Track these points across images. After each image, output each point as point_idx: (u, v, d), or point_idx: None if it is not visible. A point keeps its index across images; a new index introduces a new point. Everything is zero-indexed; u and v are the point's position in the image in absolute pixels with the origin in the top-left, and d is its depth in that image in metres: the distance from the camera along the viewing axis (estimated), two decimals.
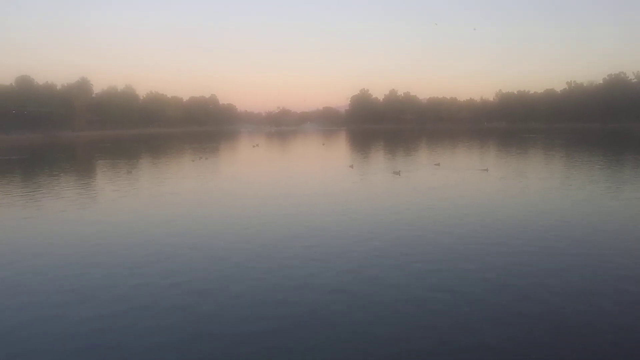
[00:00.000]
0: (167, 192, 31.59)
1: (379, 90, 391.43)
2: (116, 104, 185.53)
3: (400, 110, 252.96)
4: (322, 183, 35.90)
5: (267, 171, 46.64)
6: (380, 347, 9.80)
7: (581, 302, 11.84)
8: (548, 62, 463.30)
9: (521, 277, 13.55)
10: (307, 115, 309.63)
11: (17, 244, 18.37)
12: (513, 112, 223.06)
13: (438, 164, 46.51)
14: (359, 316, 11.20)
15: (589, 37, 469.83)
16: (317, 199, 27.92)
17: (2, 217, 24.37)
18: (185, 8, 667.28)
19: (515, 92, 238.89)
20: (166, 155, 72.15)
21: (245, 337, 10.26)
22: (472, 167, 44.67)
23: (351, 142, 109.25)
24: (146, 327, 10.86)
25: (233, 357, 9.55)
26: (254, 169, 49.64)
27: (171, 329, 10.65)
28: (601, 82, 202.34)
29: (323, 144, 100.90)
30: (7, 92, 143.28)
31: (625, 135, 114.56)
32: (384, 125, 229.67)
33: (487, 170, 40.81)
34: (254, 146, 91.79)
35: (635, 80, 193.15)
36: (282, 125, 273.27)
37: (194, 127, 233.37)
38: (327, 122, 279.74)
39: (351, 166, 47.26)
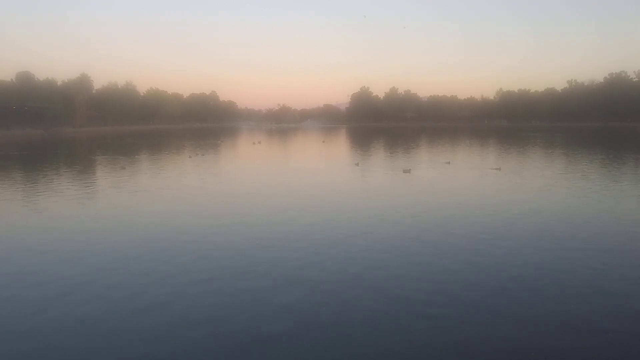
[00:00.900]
0: (160, 188, 31.34)
1: (379, 88, 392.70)
2: (116, 100, 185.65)
3: (400, 109, 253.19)
4: (330, 182, 34.47)
5: (270, 169, 45.21)
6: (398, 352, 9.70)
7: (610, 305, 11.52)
8: (548, 60, 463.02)
9: (555, 282, 12.94)
10: (307, 112, 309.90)
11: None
12: (514, 110, 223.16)
13: (448, 163, 45.59)
14: (377, 321, 11.00)
15: (590, 36, 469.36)
16: (327, 199, 26.78)
17: None
18: (187, 4, 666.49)
19: (516, 90, 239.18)
20: (165, 151, 72.05)
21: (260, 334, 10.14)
22: (484, 166, 43.72)
23: (352, 140, 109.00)
24: (136, 317, 10.80)
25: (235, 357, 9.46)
26: (256, 166, 48.69)
27: (166, 327, 10.54)
28: (602, 81, 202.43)
29: (323, 142, 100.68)
30: (7, 88, 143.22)
31: (629, 133, 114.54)
32: (384, 123, 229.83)
33: (499, 169, 39.77)
34: (254, 143, 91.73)
35: (636, 79, 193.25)
36: (282, 123, 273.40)
37: (194, 124, 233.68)
38: (327, 119, 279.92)
39: (357, 164, 46.24)
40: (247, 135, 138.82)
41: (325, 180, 35.52)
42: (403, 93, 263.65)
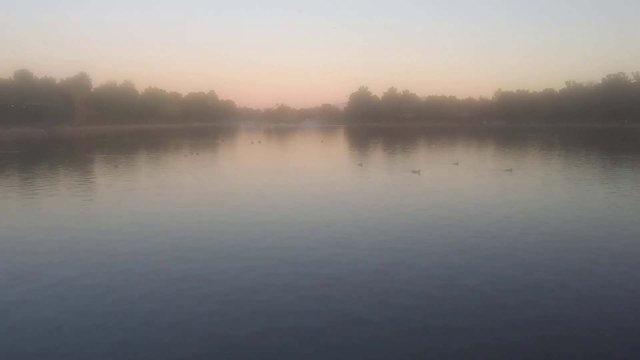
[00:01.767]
0: (153, 186, 31.68)
1: (378, 88, 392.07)
2: (115, 99, 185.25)
3: (399, 109, 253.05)
4: (336, 183, 33.95)
5: (272, 170, 44.33)
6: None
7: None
8: (547, 61, 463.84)
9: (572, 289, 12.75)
10: (306, 112, 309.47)
11: None
12: (512, 111, 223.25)
13: (456, 163, 44.87)
14: (388, 322, 11.08)
15: (589, 37, 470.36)
16: (335, 200, 26.25)
17: None
18: (185, 3, 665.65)
19: (515, 91, 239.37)
20: (163, 150, 72.04)
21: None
22: (494, 167, 43.00)
23: (352, 140, 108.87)
24: (130, 320, 10.82)
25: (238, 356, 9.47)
26: (257, 167, 48.30)
27: (160, 325, 10.58)
28: (600, 82, 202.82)
29: (322, 142, 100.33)
30: (6, 86, 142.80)
31: (629, 134, 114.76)
32: (383, 124, 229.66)
33: (511, 170, 39.03)
34: (252, 143, 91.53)
35: (634, 80, 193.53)
36: (281, 122, 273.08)
37: (193, 123, 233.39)
38: (326, 119, 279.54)
39: (360, 164, 45.59)
40: (246, 134, 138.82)
41: (330, 181, 34.88)
42: (402, 93, 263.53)
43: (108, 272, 13.91)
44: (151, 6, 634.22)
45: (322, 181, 35.29)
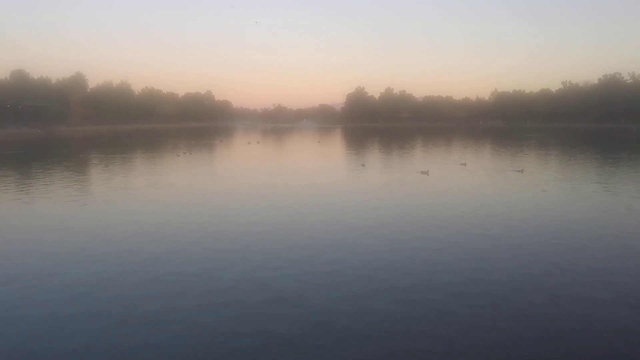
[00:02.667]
0: (146, 185, 31.99)
1: (375, 89, 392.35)
2: (112, 99, 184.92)
3: (396, 109, 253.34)
4: (343, 183, 33.34)
5: (274, 171, 43.09)
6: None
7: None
8: (545, 61, 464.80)
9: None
10: (302, 112, 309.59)
11: None
12: (509, 111, 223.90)
13: (464, 164, 43.89)
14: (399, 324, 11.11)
15: (586, 38, 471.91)
16: (348, 202, 25.37)
17: None
18: (182, 3, 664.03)
19: (511, 91, 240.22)
20: (159, 150, 72.02)
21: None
22: (503, 167, 42.00)
23: (349, 140, 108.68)
24: (121, 321, 10.81)
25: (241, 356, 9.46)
26: (255, 167, 47.76)
27: (154, 325, 10.58)
28: (596, 82, 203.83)
29: (319, 142, 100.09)
30: (2, 86, 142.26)
31: (625, 135, 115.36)
32: (380, 124, 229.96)
33: (522, 171, 38.06)
34: (249, 143, 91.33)
35: (630, 80, 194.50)
36: (277, 122, 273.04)
37: (190, 123, 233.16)
38: (323, 119, 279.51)
39: (363, 165, 44.70)
40: (242, 134, 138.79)
41: (336, 182, 34.15)
42: (398, 93, 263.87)
43: (81, 272, 14.00)
44: (149, 6, 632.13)
45: (327, 182, 34.60)
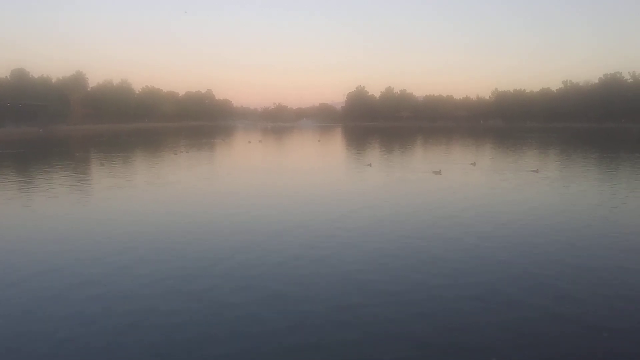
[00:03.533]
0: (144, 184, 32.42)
1: (375, 88, 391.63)
2: (112, 98, 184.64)
3: (396, 108, 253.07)
4: (353, 183, 32.82)
5: (279, 171, 42.34)
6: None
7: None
8: (546, 61, 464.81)
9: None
10: (303, 111, 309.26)
11: None
12: (509, 110, 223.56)
13: (473, 164, 43.37)
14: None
15: (584, 37, 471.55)
16: (362, 202, 24.78)
17: None
18: (182, 2, 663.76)
19: (511, 90, 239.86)
20: (159, 149, 71.93)
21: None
22: (516, 167, 41.29)
23: (350, 140, 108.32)
24: (107, 322, 10.71)
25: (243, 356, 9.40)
26: (258, 167, 47.39)
27: (151, 327, 10.50)
28: (597, 81, 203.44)
29: (319, 141, 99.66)
30: (2, 85, 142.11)
31: (625, 134, 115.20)
32: (380, 123, 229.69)
33: (537, 171, 37.33)
34: (249, 142, 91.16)
35: (630, 80, 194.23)
36: (278, 121, 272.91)
37: (190, 122, 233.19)
38: (323, 118, 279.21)
39: (369, 164, 43.33)
40: (243, 133, 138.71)
41: (346, 182, 33.53)
42: (399, 92, 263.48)
43: (76, 270, 13.96)
44: (149, 5, 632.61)
45: (334, 181, 33.98)
